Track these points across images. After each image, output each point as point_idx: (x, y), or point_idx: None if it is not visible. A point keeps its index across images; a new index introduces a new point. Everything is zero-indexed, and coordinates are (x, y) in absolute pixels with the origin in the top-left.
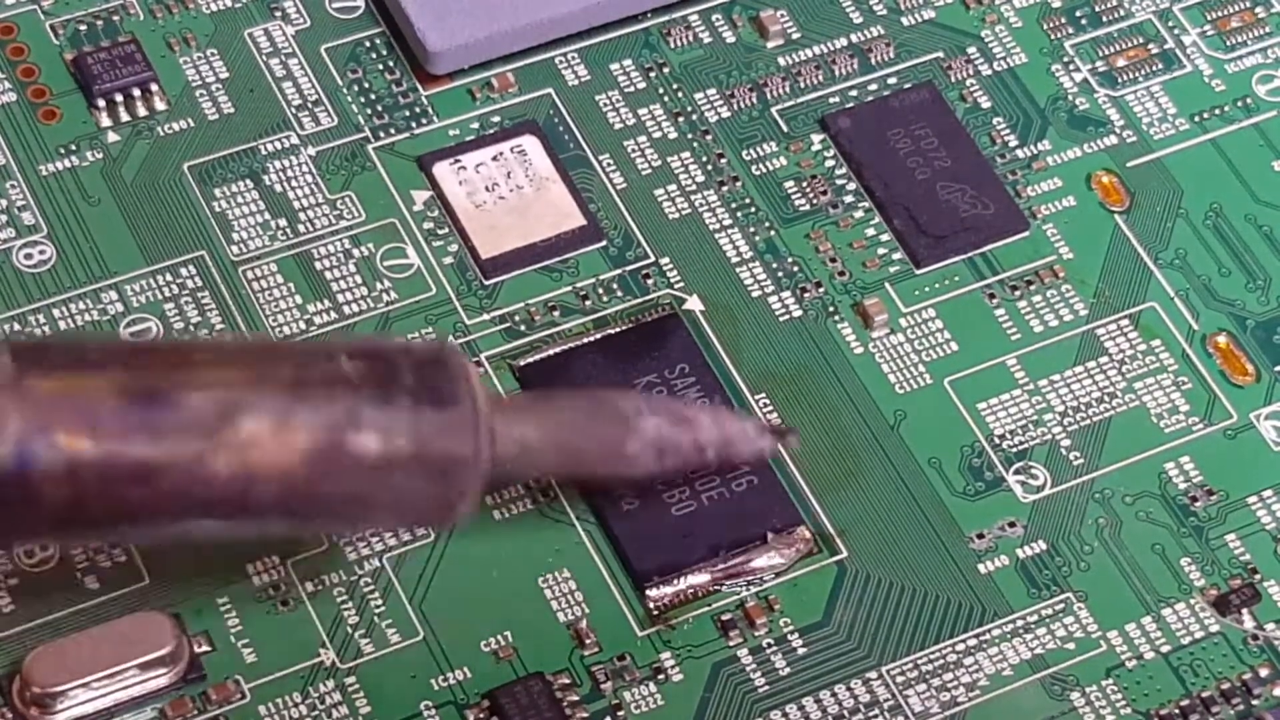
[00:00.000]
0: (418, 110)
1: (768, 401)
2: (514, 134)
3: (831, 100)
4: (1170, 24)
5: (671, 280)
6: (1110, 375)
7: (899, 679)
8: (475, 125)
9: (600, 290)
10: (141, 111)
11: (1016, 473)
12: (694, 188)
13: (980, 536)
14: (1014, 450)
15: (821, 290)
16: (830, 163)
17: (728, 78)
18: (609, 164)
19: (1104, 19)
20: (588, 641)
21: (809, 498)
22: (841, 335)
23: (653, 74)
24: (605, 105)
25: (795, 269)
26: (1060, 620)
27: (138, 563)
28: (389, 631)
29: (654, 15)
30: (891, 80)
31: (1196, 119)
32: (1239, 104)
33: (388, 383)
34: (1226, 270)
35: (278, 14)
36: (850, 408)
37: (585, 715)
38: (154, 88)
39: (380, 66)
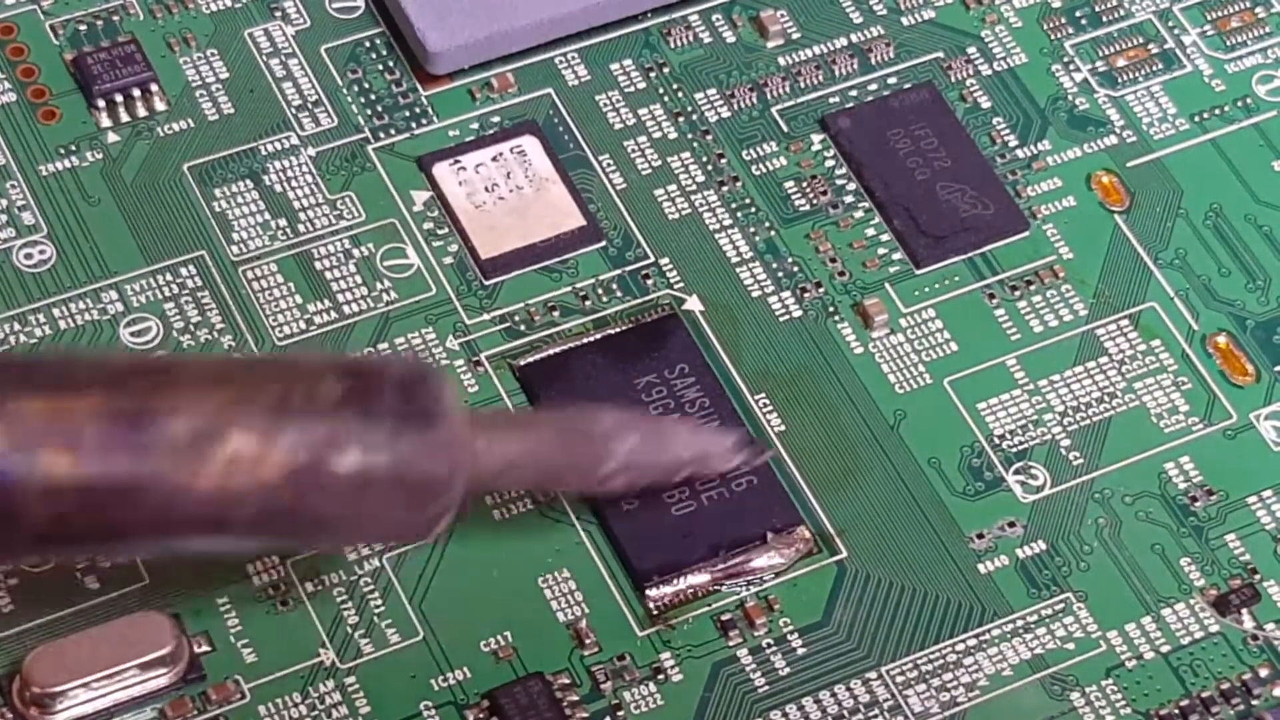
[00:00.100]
0: (418, 110)
1: (768, 401)
2: (514, 134)
3: (831, 100)
4: (1170, 24)
5: (671, 280)
6: (1110, 375)
7: (899, 679)
8: (475, 125)
9: (600, 290)
10: (141, 112)
11: (1016, 473)
12: (694, 188)
13: (980, 536)
14: (1014, 450)
15: (821, 290)
16: (830, 163)
17: (728, 78)
18: (609, 164)
19: (1104, 19)
20: (588, 641)
21: (809, 498)
22: (841, 335)
23: (653, 74)
24: (605, 105)
25: (795, 269)
26: (1060, 620)
27: (138, 563)
28: (389, 631)
29: (654, 15)
30: (891, 80)
31: (1196, 119)
32: (1239, 104)
33: (369, 404)
34: (1226, 270)
35: (278, 14)
36: (850, 408)
37: (585, 715)
38: (154, 88)
39: (380, 67)
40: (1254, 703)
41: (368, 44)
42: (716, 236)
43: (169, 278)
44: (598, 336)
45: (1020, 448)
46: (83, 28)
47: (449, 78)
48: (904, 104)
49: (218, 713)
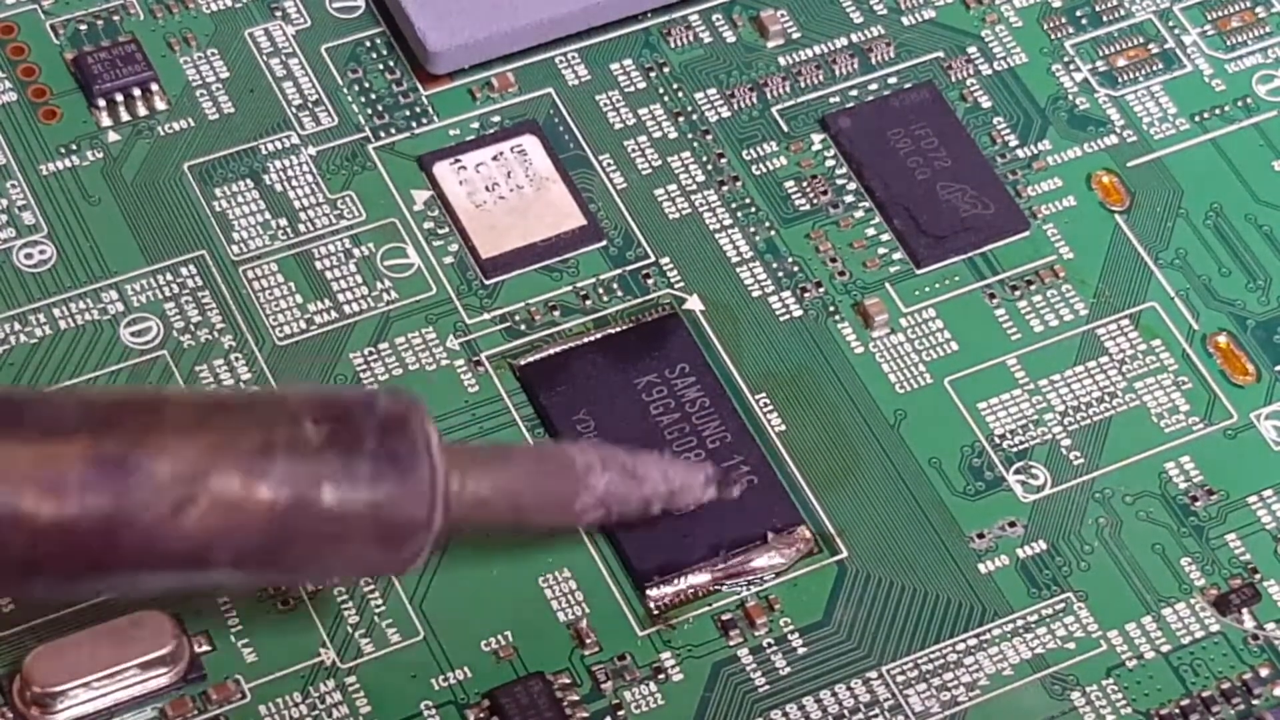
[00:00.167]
0: (418, 110)
1: (768, 401)
2: (514, 134)
3: (832, 100)
4: (1170, 24)
5: (672, 280)
6: (1110, 375)
7: (899, 679)
8: (475, 125)
9: (600, 290)
10: (142, 111)
11: (1017, 472)
12: (694, 187)
13: (980, 536)
14: (1014, 450)
15: (822, 290)
16: (830, 163)
17: (728, 77)
18: (609, 164)
19: (1104, 19)
20: (588, 641)
21: (809, 497)
22: (842, 335)
23: (653, 74)
24: (605, 105)
25: (795, 269)
26: (1060, 620)
27: None
28: (389, 631)
29: (654, 15)
30: (892, 80)
31: (1197, 119)
32: (1239, 104)
33: (351, 448)
34: (1227, 270)
35: (278, 14)
36: (850, 407)
37: (585, 715)
38: (154, 87)
39: (380, 66)
40: (1254, 702)
41: (368, 43)
42: (717, 236)
43: (169, 277)
44: (598, 336)
45: (1021, 447)
46: (83, 27)
47: (449, 77)
48: (904, 104)
49: (218, 712)
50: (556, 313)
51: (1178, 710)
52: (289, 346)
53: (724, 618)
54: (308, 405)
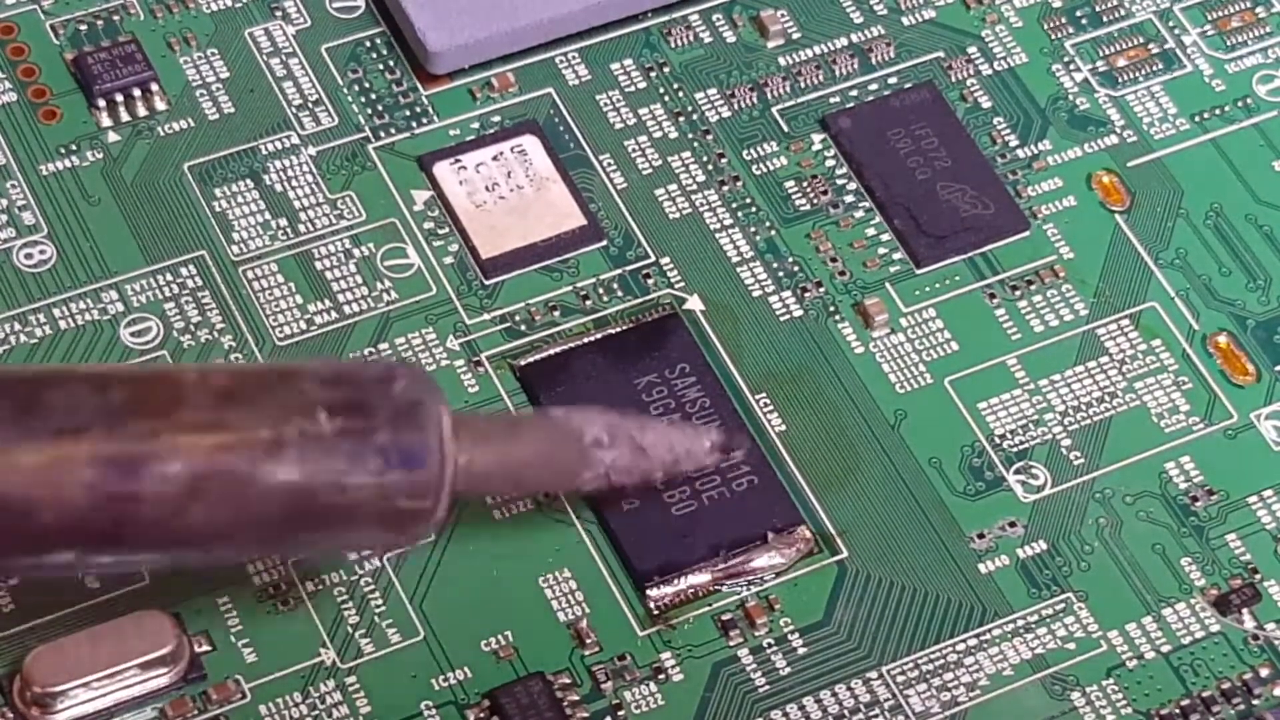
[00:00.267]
0: (418, 110)
1: (768, 401)
2: (514, 134)
3: (832, 100)
4: (1170, 24)
5: (672, 280)
6: (1110, 375)
7: (899, 679)
8: (475, 125)
9: (600, 290)
10: (142, 111)
11: (1017, 472)
12: (694, 187)
13: (980, 536)
14: (1014, 450)
15: (822, 290)
16: (830, 163)
17: (728, 77)
18: (609, 164)
19: (1104, 19)
20: (588, 641)
21: (809, 497)
22: (842, 335)
23: (653, 74)
24: (605, 105)
25: (796, 269)
26: (1061, 620)
27: None
28: (389, 631)
29: (654, 15)
30: (892, 80)
31: (1197, 119)
32: (1239, 104)
33: (362, 440)
34: (1227, 270)
35: (278, 14)
36: (850, 407)
37: (585, 715)
38: (154, 87)
39: (380, 66)
40: (1255, 702)
41: (368, 43)
42: (717, 236)
43: (169, 278)
44: (598, 336)
45: (1021, 447)
46: (83, 27)
47: (449, 77)
48: (904, 104)
49: (218, 712)
50: (556, 313)
51: (1178, 710)
52: (289, 346)
53: (724, 618)
54: (324, 390)
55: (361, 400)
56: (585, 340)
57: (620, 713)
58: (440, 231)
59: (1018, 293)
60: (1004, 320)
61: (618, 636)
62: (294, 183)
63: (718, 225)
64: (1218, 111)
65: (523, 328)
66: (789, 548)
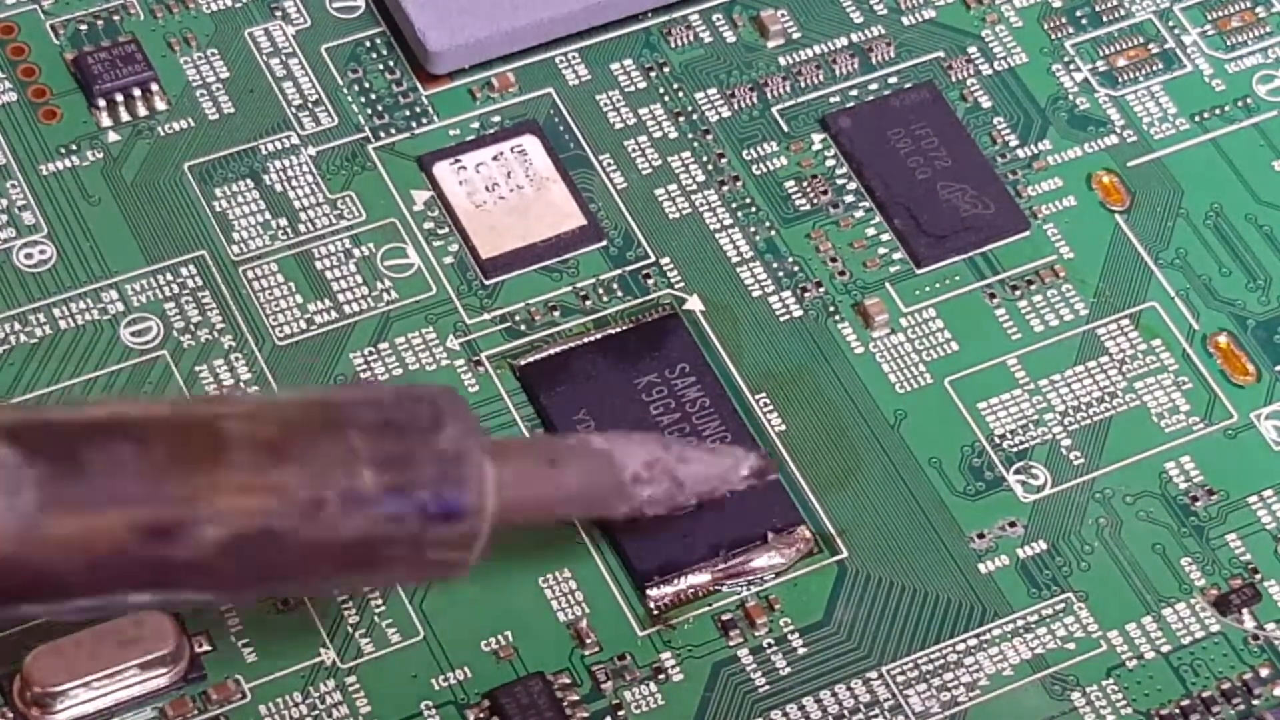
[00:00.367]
0: (418, 110)
1: (768, 401)
2: (514, 134)
3: (832, 100)
4: (1170, 24)
5: (672, 280)
6: (1111, 375)
7: (899, 679)
8: (475, 125)
9: (600, 290)
10: (142, 111)
11: (1017, 472)
12: (694, 187)
13: (980, 536)
14: (1014, 450)
15: (822, 290)
16: (830, 162)
17: (728, 77)
18: (609, 164)
19: (1104, 19)
20: (588, 641)
21: (809, 497)
22: (842, 335)
23: (653, 74)
24: (605, 105)
25: (795, 269)
26: (1060, 620)
27: None
28: (389, 631)
29: (654, 15)
30: (892, 80)
31: (1197, 119)
32: (1239, 104)
33: (403, 498)
34: (1227, 270)
35: (278, 14)
36: (850, 407)
37: (585, 715)
38: (154, 87)
39: (380, 66)
40: (1255, 702)
41: (368, 43)
42: (717, 236)
43: (169, 277)
44: (598, 336)
45: (1021, 447)
46: (83, 27)
47: (449, 77)
48: (904, 104)
49: (218, 712)
50: (556, 313)
51: (1178, 710)
52: (289, 346)
53: (724, 618)
54: (370, 442)
55: (406, 454)
56: (585, 340)
57: (620, 713)
58: (440, 231)
59: (1018, 293)
60: (1004, 320)
61: (618, 636)
62: (294, 183)
63: (718, 225)
64: (1218, 111)
65: (523, 328)
66: (789, 548)
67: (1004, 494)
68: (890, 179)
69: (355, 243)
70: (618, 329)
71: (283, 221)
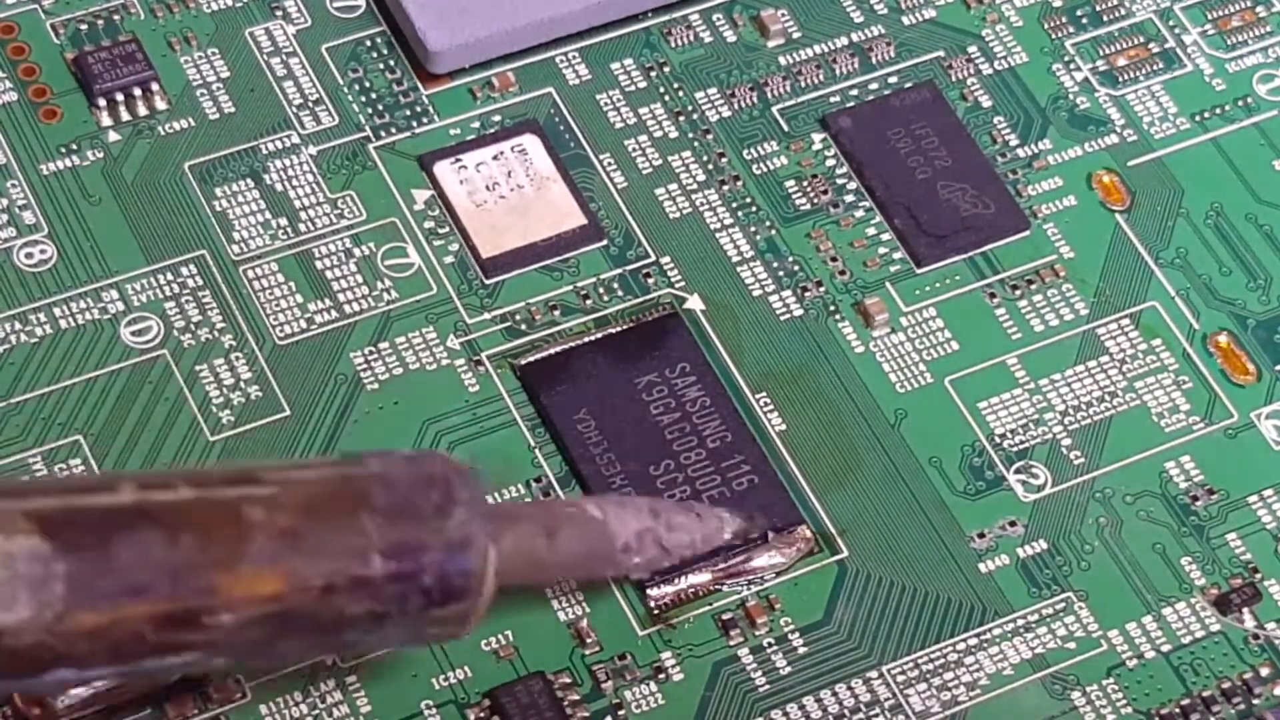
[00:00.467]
0: (418, 109)
1: (768, 401)
2: (515, 133)
3: (832, 100)
4: (1171, 23)
5: (672, 279)
6: (1111, 374)
7: (900, 678)
8: (476, 124)
9: (601, 289)
10: (142, 111)
11: (1017, 472)
12: (695, 187)
13: (981, 536)
14: (1014, 449)
15: (822, 289)
16: (831, 162)
17: (728, 77)
18: (610, 163)
19: (1105, 18)
20: (588, 640)
21: (809, 497)
22: (842, 334)
23: (653, 73)
24: (606, 104)
25: (796, 268)
26: (1061, 619)
27: None
28: None
29: (655, 14)
30: (892, 80)
31: (1197, 118)
32: (1240, 103)
33: (408, 583)
34: (1227, 270)
35: (278, 13)
36: (851, 407)
37: (586, 714)
38: (155, 87)
39: (381, 66)
40: (1255, 702)
41: (368, 43)
42: (717, 235)
43: (170, 277)
44: (599, 336)
45: (1021, 447)
46: (83, 27)
47: (450, 77)
48: (904, 103)
49: (218, 712)
50: (557, 312)
51: (1178, 710)
52: (289, 346)
53: (724, 617)
54: (382, 528)
55: (416, 542)
56: (585, 340)
57: (620, 712)
58: (440, 231)
59: (1018, 292)
60: (1004, 320)
61: (618, 636)
62: (294, 182)
63: (718, 225)
64: (1218, 111)
65: (523, 327)
66: (789, 547)
67: (1004, 493)
68: (890, 179)
69: (355, 242)
70: (618, 328)
71: (283, 221)
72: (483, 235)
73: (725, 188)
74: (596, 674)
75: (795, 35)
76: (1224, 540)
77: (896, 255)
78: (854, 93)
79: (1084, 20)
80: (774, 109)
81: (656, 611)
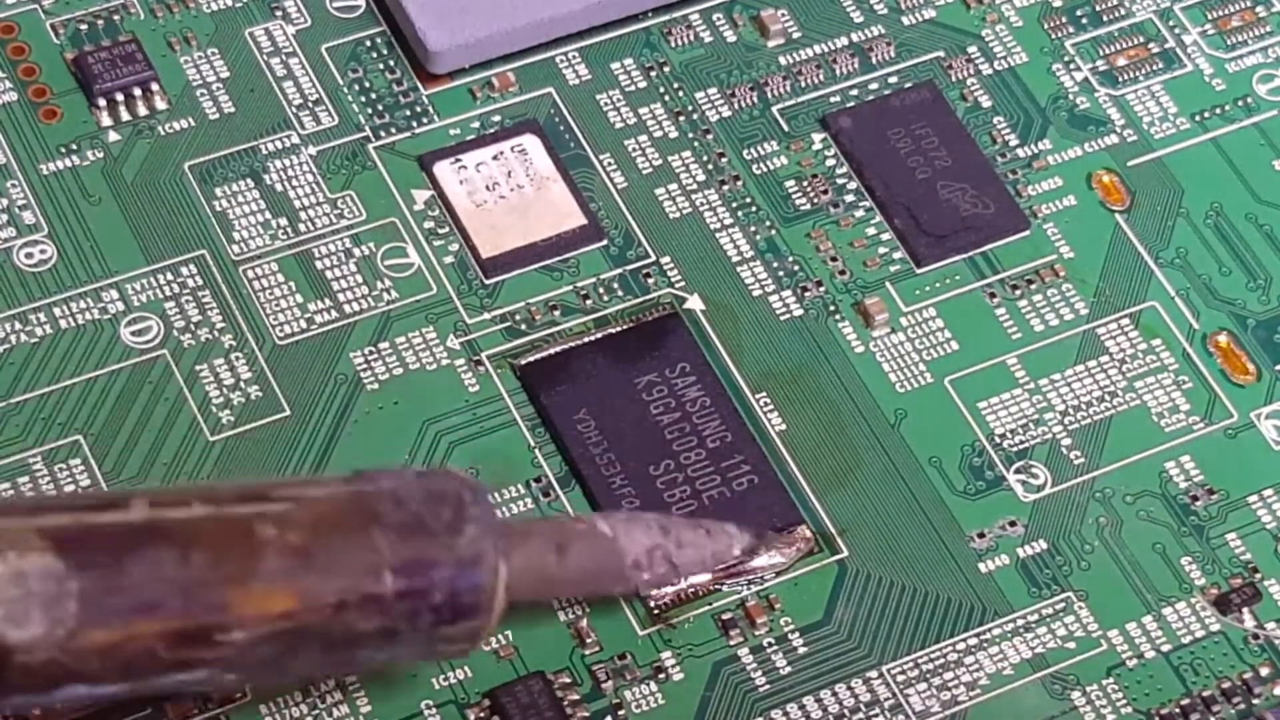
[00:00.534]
0: (418, 109)
1: (768, 401)
2: (514, 133)
3: (832, 99)
4: (1171, 23)
5: (672, 279)
6: (1111, 374)
7: (899, 678)
8: (476, 124)
9: (601, 289)
10: (142, 111)
11: (1017, 472)
12: (695, 187)
13: (981, 536)
14: (1014, 449)
15: (822, 289)
16: (831, 162)
17: (728, 77)
18: (610, 163)
19: (1104, 18)
20: (588, 640)
21: (809, 497)
22: (842, 334)
23: (653, 73)
24: (606, 104)
25: (796, 268)
26: (1061, 619)
27: None
28: None
29: (655, 14)
30: (892, 79)
31: (1197, 118)
32: (1239, 103)
33: (419, 600)
34: (1227, 269)
35: (278, 13)
36: (851, 407)
37: (586, 714)
38: (154, 87)
39: (381, 66)
40: (1255, 702)
41: (368, 43)
42: (717, 235)
43: (170, 277)
44: (599, 336)
45: (1021, 447)
46: (83, 27)
47: (449, 77)
48: (904, 103)
49: (218, 712)
50: (557, 312)
51: (1178, 710)
52: (289, 346)
53: (724, 617)
54: (394, 545)
55: (427, 559)
56: (585, 340)
57: (620, 712)
58: (440, 231)
59: (1018, 292)
60: (1004, 320)
61: (618, 636)
62: (294, 182)
63: (718, 225)
64: (1218, 111)
65: (523, 327)
66: (789, 547)
67: (1004, 493)
68: (890, 179)
69: (355, 242)
70: (618, 328)
71: (283, 221)
72: (483, 235)
73: (725, 188)
74: (596, 674)
75: (795, 35)
76: (1224, 540)
77: (896, 255)
78: (854, 93)
79: (1084, 20)
80: (774, 109)
81: (656, 611)
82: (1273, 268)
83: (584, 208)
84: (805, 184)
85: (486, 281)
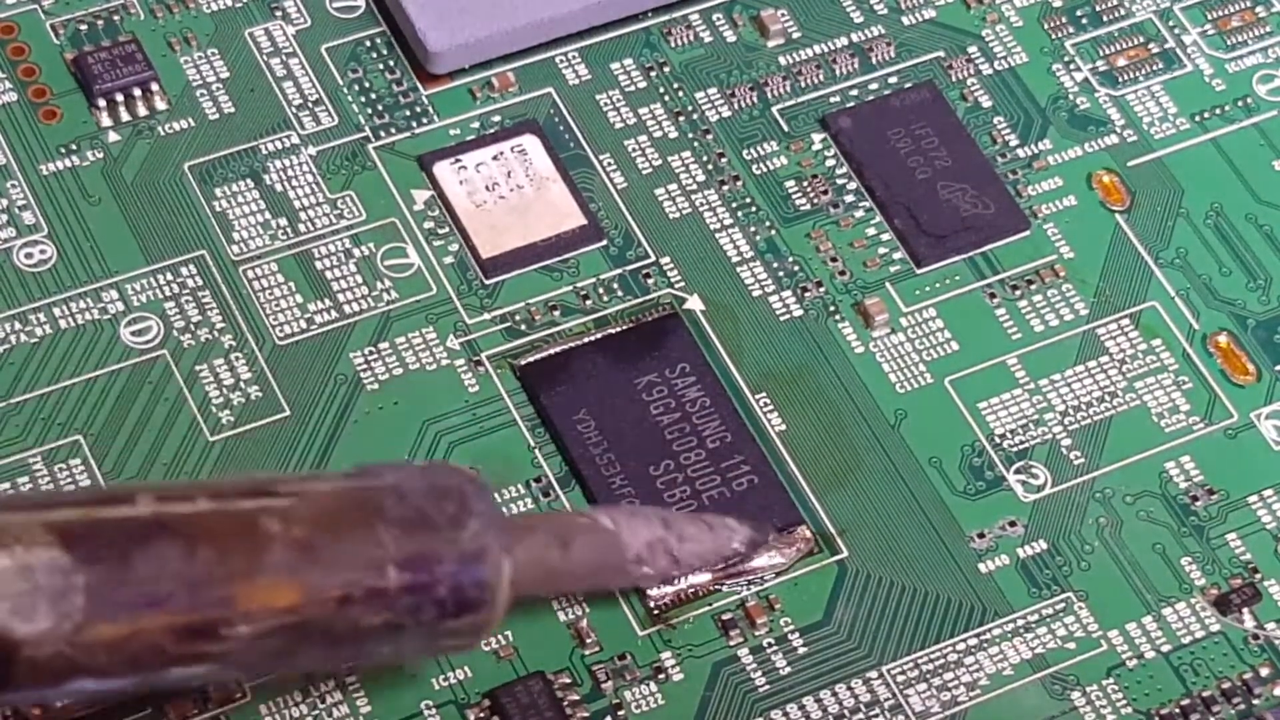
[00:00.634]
0: (418, 110)
1: (768, 401)
2: (514, 133)
3: (832, 100)
4: (1171, 23)
5: (672, 280)
6: (1111, 375)
7: (899, 678)
8: (476, 125)
9: (601, 290)
10: (142, 111)
11: (1017, 472)
12: (694, 187)
13: (981, 536)
14: (1014, 450)
15: (822, 290)
16: (831, 162)
17: (728, 77)
18: (609, 163)
19: (1105, 18)
20: (588, 641)
21: (809, 497)
22: (842, 335)
23: (653, 73)
24: (606, 105)
25: (796, 268)
26: (1061, 620)
27: None
28: None
29: (654, 14)
30: (892, 80)
31: (1197, 118)
32: (1239, 103)
33: (423, 595)
34: (1227, 270)
35: (278, 13)
36: (851, 407)
37: (586, 715)
38: (154, 87)
39: (381, 66)
40: (1255, 702)
41: (368, 43)
42: (717, 236)
43: (169, 277)
44: (598, 336)
45: (1021, 447)
46: (83, 27)
47: (449, 77)
48: (904, 103)
49: (218, 712)
50: (556, 312)
51: (1178, 710)
52: (289, 346)
53: (724, 617)
54: (398, 540)
55: (431, 553)
56: (585, 340)
57: (620, 712)
58: (440, 231)
59: (1018, 292)
60: (1004, 320)
61: (618, 636)
62: (294, 182)
63: (718, 225)
64: (1218, 111)
65: (523, 327)
66: (789, 548)
67: (1004, 494)
68: (890, 179)
69: (355, 242)
70: (618, 329)
71: (283, 221)
72: (482, 235)
73: (725, 188)
74: (596, 674)
75: (795, 35)
76: (1224, 540)
77: (896, 255)
78: (854, 93)
79: (1084, 20)
80: (774, 109)
81: (656, 611)
82: (1273, 268)
83: (584, 208)
84: (805, 184)
85: (486, 282)
